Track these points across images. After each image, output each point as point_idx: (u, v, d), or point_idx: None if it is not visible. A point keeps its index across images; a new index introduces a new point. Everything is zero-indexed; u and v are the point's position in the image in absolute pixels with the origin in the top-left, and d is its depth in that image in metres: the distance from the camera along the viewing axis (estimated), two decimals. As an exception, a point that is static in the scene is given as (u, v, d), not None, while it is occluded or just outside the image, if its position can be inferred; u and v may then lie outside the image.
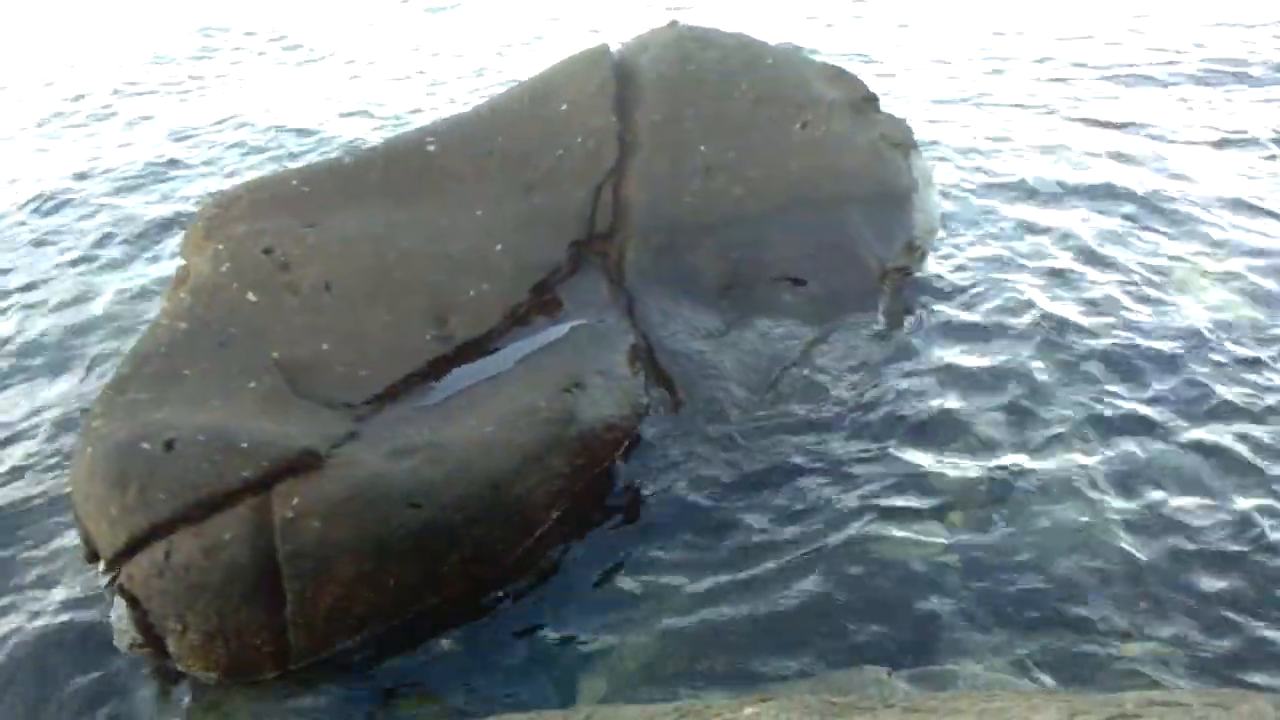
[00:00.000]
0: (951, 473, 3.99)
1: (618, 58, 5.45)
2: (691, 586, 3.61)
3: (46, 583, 3.78)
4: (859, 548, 3.66)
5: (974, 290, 5.11)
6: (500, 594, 3.58)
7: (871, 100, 5.55)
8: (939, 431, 4.22)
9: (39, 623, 3.61)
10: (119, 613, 3.44)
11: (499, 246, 4.58)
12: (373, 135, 7.38)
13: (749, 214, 4.93)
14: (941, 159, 6.44)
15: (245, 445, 3.40)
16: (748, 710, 1.91)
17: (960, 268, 5.29)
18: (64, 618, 3.61)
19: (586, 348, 4.18)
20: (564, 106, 5.20)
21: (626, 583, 3.67)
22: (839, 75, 5.62)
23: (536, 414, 3.77)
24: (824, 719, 1.84)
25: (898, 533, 3.73)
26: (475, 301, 4.33)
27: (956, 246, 5.45)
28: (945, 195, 5.87)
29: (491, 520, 3.56)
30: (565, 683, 3.27)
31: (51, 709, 3.35)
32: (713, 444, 4.20)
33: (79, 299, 5.66)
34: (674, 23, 5.78)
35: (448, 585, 3.51)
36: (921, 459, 4.06)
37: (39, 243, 6.35)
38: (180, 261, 4.59)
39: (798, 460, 4.11)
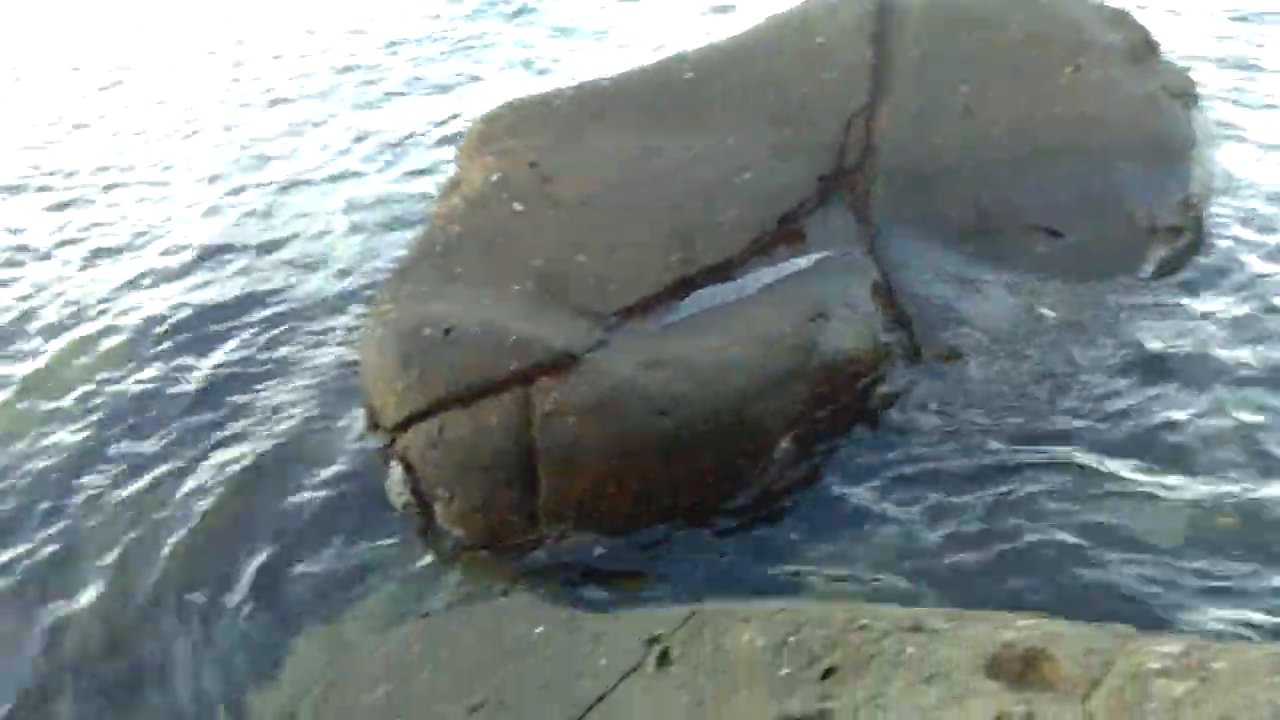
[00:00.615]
0: (1208, 472, 3.72)
1: (880, -9, 5.35)
2: (919, 529, 3.62)
3: (336, 447, 4.26)
4: (1100, 520, 3.53)
5: (1255, 262, 4.71)
6: (730, 506, 3.74)
7: (1153, 47, 5.19)
8: (1203, 428, 3.86)
9: (327, 478, 4.11)
10: (395, 477, 3.86)
11: (748, 175, 4.66)
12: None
13: (1005, 158, 4.76)
14: (1223, 118, 5.93)
15: (513, 340, 3.69)
16: (1022, 623, 1.95)
17: (1239, 236, 4.89)
18: (348, 478, 4.08)
19: (832, 280, 4.22)
20: (820, 40, 5.17)
21: (850, 513, 3.73)
22: (1119, 18, 5.28)
23: (782, 340, 3.87)
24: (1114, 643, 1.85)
25: (1146, 515, 3.56)
26: (721, 227, 4.44)
27: (1239, 210, 5.03)
28: (1229, 153, 5.40)
29: (730, 436, 3.70)
30: (780, 591, 3.38)
31: (333, 553, 3.84)
32: (949, 391, 4.15)
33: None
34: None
35: (683, 491, 3.71)
36: (1179, 448, 3.77)
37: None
38: (453, 170, 4.97)
39: (1039, 424, 3.97)
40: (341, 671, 2.65)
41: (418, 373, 3.68)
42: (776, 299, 4.13)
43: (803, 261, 4.37)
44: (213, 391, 4.72)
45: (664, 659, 2.01)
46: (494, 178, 4.56)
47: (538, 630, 2.42)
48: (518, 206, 4.43)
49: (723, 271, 4.33)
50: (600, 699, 2.01)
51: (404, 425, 3.75)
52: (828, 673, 1.76)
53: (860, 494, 3.80)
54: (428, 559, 3.74)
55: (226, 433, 4.48)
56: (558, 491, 3.59)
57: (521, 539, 3.64)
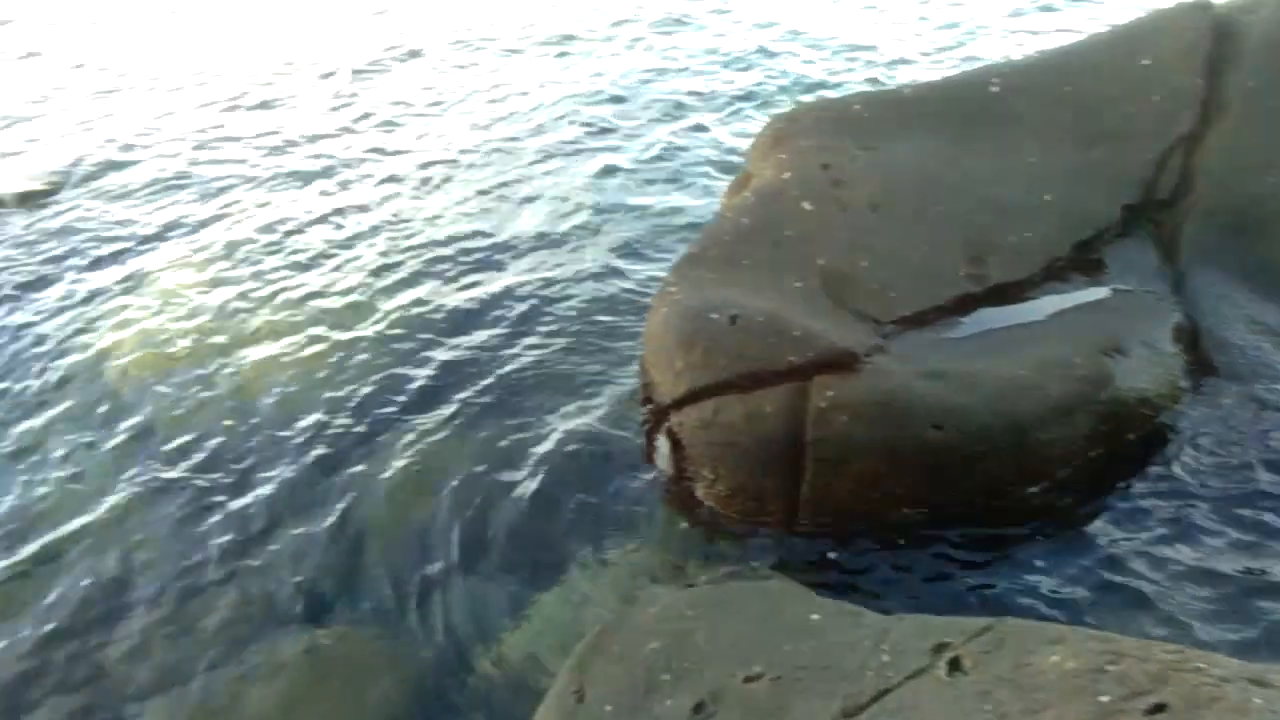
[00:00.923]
0: None
1: (1219, 15, 4.98)
2: (1188, 584, 3.41)
3: (607, 416, 4.55)
4: None
5: None
6: (994, 528, 3.67)
7: None
8: None
9: (595, 442, 4.39)
10: (662, 450, 4.07)
11: (1047, 196, 4.50)
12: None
13: (1352, 207, 4.33)
14: None
15: (797, 334, 3.78)
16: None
17: None
18: (616, 446, 4.34)
19: (1130, 315, 4.02)
20: (1145, 61, 4.89)
21: (1117, 556, 3.56)
22: None
23: (1071, 369, 3.73)
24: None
25: None
26: (1015, 247, 4.32)
27: None
28: None
29: (1005, 459, 3.63)
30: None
31: (594, 513, 4.10)
32: (1245, 447, 3.86)
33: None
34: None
35: (947, 506, 3.67)
36: None
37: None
38: (745, 165, 5.12)
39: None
40: (614, 623, 2.84)
41: (700, 354, 3.85)
42: (1068, 327, 3.98)
43: (1099, 292, 4.18)
44: (509, 356, 5.08)
45: (956, 666, 2.04)
46: (786, 176, 4.66)
47: (814, 616, 2.50)
48: (807, 206, 4.50)
49: (1012, 293, 4.22)
50: (884, 693, 2.07)
51: (679, 403, 3.93)
52: (1157, 709, 1.71)
53: (1132, 538, 3.62)
54: (684, 530, 3.93)
55: (508, 391, 4.85)
56: (822, 486, 3.66)
57: (779, 526, 3.74)
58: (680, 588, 3.03)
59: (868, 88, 6.71)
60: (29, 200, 7.03)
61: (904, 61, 8.24)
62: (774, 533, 3.73)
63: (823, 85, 7.56)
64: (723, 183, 6.27)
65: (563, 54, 9.25)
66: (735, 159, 6.59)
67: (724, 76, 8.25)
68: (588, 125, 7.65)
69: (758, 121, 6.90)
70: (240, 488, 4.44)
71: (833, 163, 4.69)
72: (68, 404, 5.04)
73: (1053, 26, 8.87)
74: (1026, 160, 4.65)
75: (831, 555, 3.58)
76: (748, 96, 7.73)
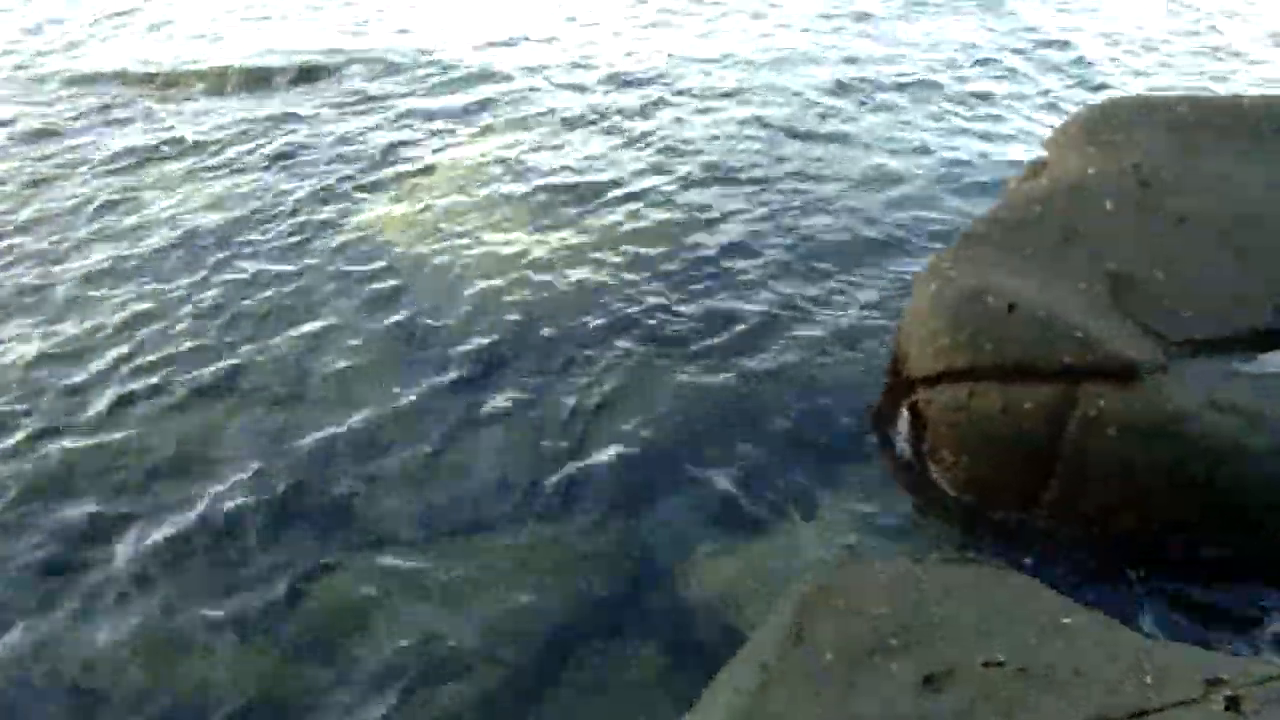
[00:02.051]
0: None
1: None
2: None
3: (847, 378, 4.52)
4: None
5: None
6: (1257, 576, 3.39)
7: None
8: None
9: (830, 402, 4.40)
10: (902, 422, 4.01)
11: (1390, 243, 4.02)
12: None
13: None
14: None
15: (1078, 334, 3.60)
16: None
17: None
18: (851, 410, 4.34)
19: None
20: None
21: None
22: None
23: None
24: None
25: None
26: (1339, 291, 3.90)
27: None
28: None
29: (1283, 514, 3.34)
30: None
31: (812, 467, 4.12)
32: None
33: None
34: None
35: (1207, 545, 3.43)
36: None
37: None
38: (1042, 151, 4.86)
39: None
40: (841, 577, 2.85)
41: (967, 335, 3.74)
42: (1391, 387, 3.57)
43: None
44: (755, 310, 5.09)
45: (1234, 707, 1.92)
46: (1090, 170, 4.39)
47: (1066, 619, 2.42)
48: (1108, 205, 4.23)
49: (1325, 338, 3.83)
50: (1143, 713, 1.98)
51: (932, 380, 3.85)
52: None
53: None
54: (912, 504, 3.88)
55: (751, 335, 4.89)
56: (1071, 495, 3.51)
57: (1014, 522, 3.62)
58: (910, 559, 2.98)
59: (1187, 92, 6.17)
60: (312, 74, 7.62)
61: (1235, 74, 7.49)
62: (1008, 524, 3.61)
63: (1133, 81, 7.02)
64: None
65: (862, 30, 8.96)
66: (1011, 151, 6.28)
67: (1028, 63, 7.78)
68: (884, 91, 7.41)
69: (1053, 113, 6.53)
70: (484, 382, 4.67)
71: (1145, 164, 4.37)
72: (342, 268, 5.49)
73: None
74: (1373, 199, 4.16)
75: (1073, 561, 3.43)
76: (1045, 91, 7.27)
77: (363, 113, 7.20)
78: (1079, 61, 7.62)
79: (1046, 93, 7.18)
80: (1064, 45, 8.02)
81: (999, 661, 2.31)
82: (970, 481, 3.71)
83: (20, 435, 4.45)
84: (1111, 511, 3.49)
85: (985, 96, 7.15)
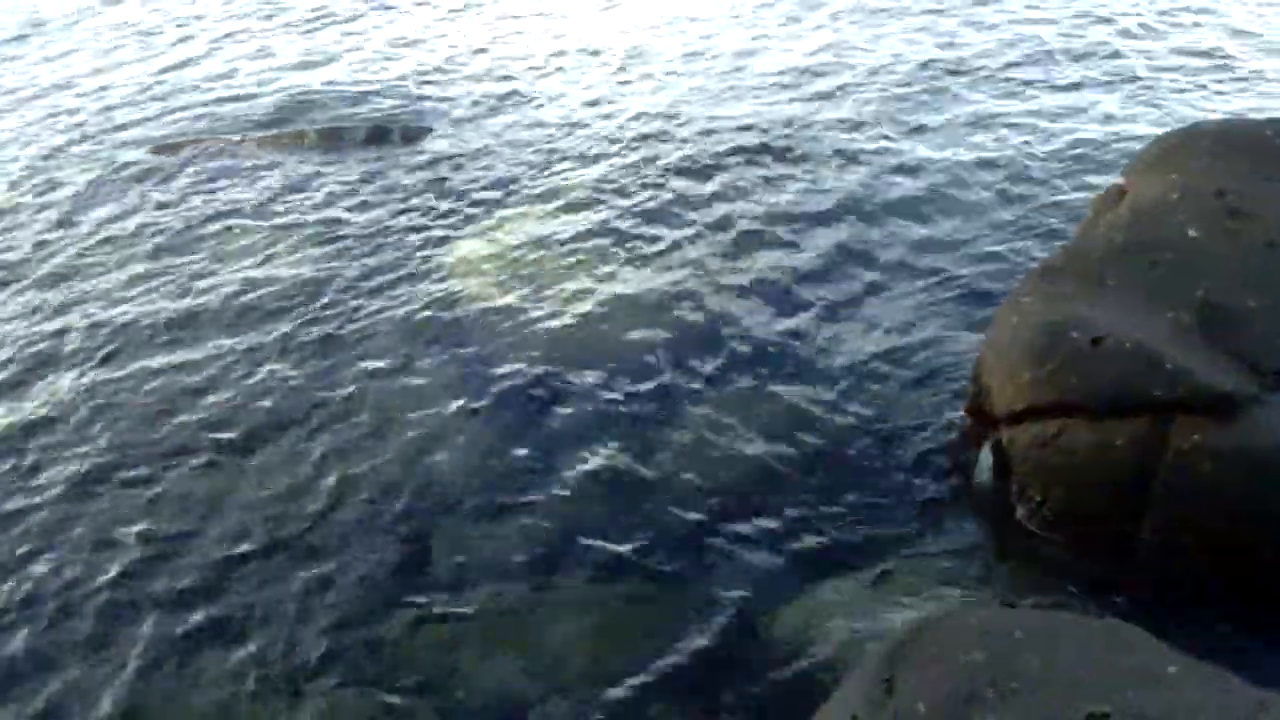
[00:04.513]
0: None
1: None
2: None
3: (923, 409, 4.47)
4: None
5: None
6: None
7: None
8: None
9: (903, 435, 4.35)
10: (984, 461, 3.94)
11: None
12: None
13: None
14: None
15: (1169, 367, 3.51)
16: None
17: None
18: (925, 443, 4.29)
19: None
20: None
21: None
22: None
23: None
24: None
25: None
26: None
27: None
28: None
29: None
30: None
31: (891, 509, 4.06)
32: None
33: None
34: None
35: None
36: None
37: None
38: (1118, 178, 4.76)
39: None
40: (932, 624, 2.79)
41: (1052, 371, 3.67)
42: None
43: None
44: (827, 331, 5.13)
45: (1359, 762, 1.84)
46: (1173, 196, 4.28)
47: (1171, 669, 2.34)
48: (1193, 232, 4.12)
49: None
50: (1258, 768, 1.91)
51: (1017, 417, 3.78)
52: None
53: None
54: (997, 546, 3.80)
55: (824, 383, 4.80)
56: (1167, 533, 3.41)
57: (1107, 563, 3.52)
58: (999, 605, 2.92)
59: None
60: (410, 136, 7.84)
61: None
62: (1103, 567, 3.51)
63: (1212, 104, 6.84)
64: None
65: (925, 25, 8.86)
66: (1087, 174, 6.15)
67: (1106, 92, 7.60)
68: (947, 120, 7.33)
69: (1130, 140, 6.39)
70: (561, 427, 4.71)
71: (1230, 189, 4.25)
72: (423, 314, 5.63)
73: None
74: None
75: (1173, 603, 3.31)
76: (1119, 115, 7.10)
77: (434, 165, 7.37)
78: (1153, 86, 7.44)
79: (1121, 118, 7.03)
80: (1140, 68, 7.85)
81: (1103, 714, 2.25)
82: (1059, 521, 3.62)
83: (129, 473, 4.68)
84: (1210, 550, 3.36)
85: (1057, 117, 7.02)
